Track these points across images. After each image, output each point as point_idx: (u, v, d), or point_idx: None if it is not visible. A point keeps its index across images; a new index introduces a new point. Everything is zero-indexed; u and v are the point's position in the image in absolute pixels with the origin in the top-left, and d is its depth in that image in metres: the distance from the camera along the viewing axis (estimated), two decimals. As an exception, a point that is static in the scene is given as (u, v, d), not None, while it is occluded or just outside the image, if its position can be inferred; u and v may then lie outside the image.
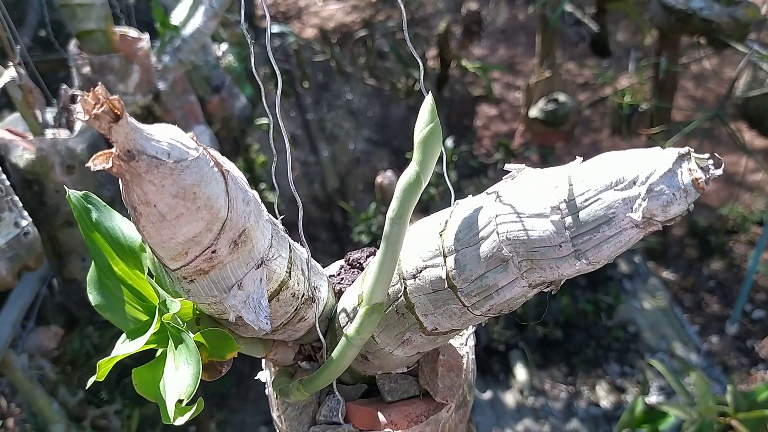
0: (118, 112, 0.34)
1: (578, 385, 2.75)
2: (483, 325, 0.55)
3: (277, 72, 0.45)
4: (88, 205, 0.52)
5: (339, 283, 0.62)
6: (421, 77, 0.54)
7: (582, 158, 0.43)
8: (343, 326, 0.57)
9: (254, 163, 3.20)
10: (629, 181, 0.38)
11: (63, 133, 1.23)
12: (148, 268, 0.52)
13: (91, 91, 0.33)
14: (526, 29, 4.68)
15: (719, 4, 2.00)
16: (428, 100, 0.49)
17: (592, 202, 0.39)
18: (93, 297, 0.52)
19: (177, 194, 0.37)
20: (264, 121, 3.15)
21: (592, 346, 2.87)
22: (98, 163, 0.35)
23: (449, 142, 3.48)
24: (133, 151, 0.35)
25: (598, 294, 3.01)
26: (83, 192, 0.52)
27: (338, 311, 0.59)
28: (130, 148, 0.35)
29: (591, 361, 2.83)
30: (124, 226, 0.53)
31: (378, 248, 0.65)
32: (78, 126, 1.24)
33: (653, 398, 2.55)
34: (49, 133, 1.23)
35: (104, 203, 0.53)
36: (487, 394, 2.72)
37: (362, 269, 0.63)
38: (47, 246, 1.32)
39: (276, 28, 3.76)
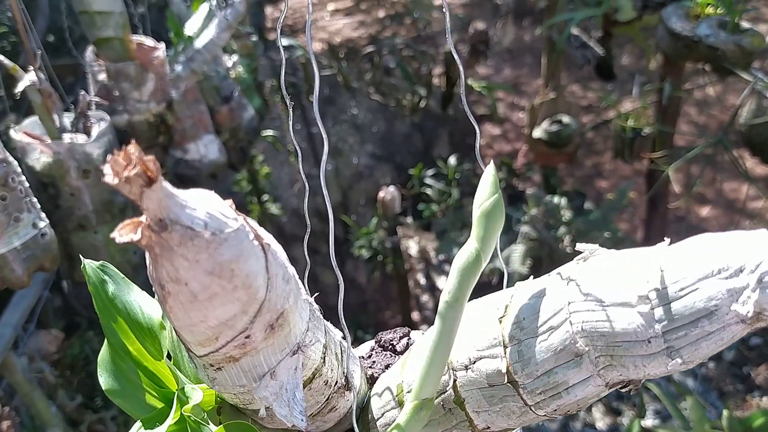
0: (152, 175, 0.29)
1: (575, 405, 2.75)
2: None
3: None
4: (105, 277, 0.47)
5: (370, 366, 0.56)
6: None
7: (669, 240, 0.38)
8: (377, 419, 0.52)
9: (258, 174, 3.22)
10: (735, 270, 0.33)
11: (80, 138, 1.25)
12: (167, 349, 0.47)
13: (123, 149, 0.29)
14: (532, 50, 4.72)
15: (725, 32, 2.03)
16: (490, 170, 0.44)
17: (688, 292, 0.34)
18: (104, 380, 0.47)
19: (212, 271, 0.32)
20: (270, 132, 3.17)
21: (590, 368, 2.87)
22: (125, 233, 0.30)
23: (452, 160, 3.50)
24: (166, 220, 0.30)
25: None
26: (100, 262, 0.47)
27: (371, 401, 0.53)
28: (162, 216, 0.30)
29: (588, 383, 2.83)
30: (143, 302, 0.47)
31: (407, 327, 0.59)
32: (95, 131, 1.26)
33: (649, 421, 2.55)
34: (67, 138, 1.25)
35: (122, 275, 0.47)
36: (484, 412, 2.72)
37: (395, 351, 0.58)
38: (59, 248, 1.34)
39: (284, 42, 3.79)
